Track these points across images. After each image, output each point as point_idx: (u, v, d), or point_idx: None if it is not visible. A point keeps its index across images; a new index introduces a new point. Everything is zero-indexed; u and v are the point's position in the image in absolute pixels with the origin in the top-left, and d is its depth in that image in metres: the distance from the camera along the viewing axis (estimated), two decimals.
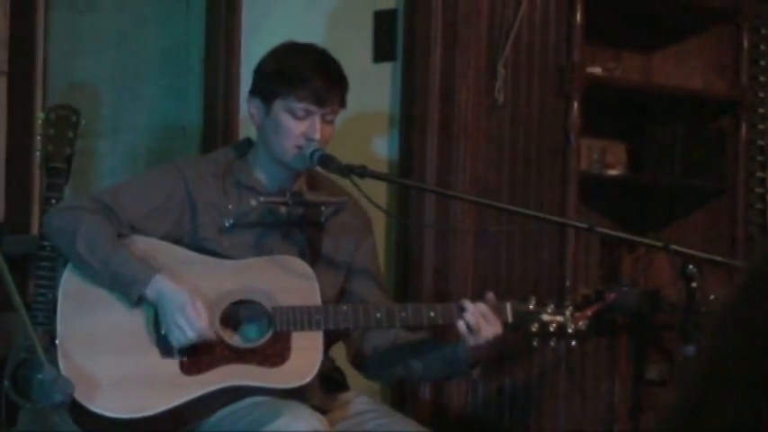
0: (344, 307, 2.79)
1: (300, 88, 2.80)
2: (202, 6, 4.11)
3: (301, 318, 2.74)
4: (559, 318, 2.81)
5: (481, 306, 2.75)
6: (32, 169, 3.99)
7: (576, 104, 3.70)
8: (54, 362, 2.67)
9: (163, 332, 2.74)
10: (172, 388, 2.71)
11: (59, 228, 2.84)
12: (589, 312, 2.82)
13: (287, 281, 2.78)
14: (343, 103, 2.89)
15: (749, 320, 1.20)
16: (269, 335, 2.75)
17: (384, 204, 3.44)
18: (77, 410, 2.68)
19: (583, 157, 3.92)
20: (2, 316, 3.10)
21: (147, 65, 4.27)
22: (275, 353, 2.74)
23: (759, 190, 4.15)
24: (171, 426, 2.72)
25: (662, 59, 4.35)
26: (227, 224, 2.85)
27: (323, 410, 2.75)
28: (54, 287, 2.98)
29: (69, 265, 2.81)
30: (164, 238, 2.83)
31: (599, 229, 2.93)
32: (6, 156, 4.02)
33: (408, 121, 3.63)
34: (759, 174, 4.15)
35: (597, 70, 4.03)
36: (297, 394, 2.72)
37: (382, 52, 3.73)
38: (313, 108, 2.81)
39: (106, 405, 2.69)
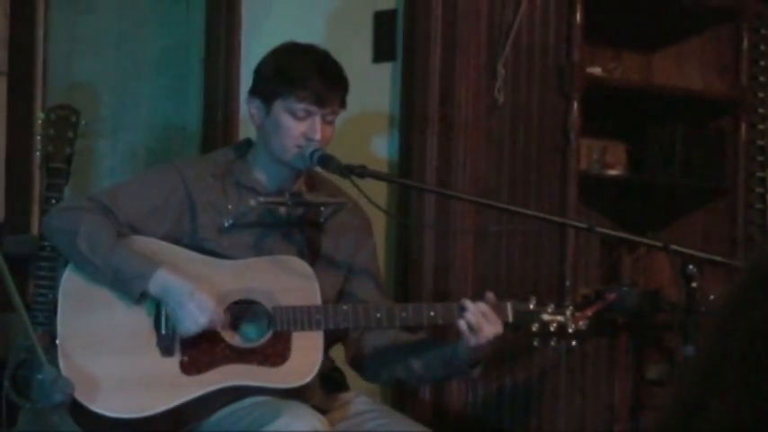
0: (345, 307, 2.80)
1: (301, 89, 2.80)
2: (202, 6, 4.11)
3: (301, 318, 2.74)
4: (560, 317, 2.81)
5: (482, 305, 2.75)
6: (32, 169, 3.99)
7: (575, 104, 3.70)
8: (54, 362, 2.67)
9: (163, 331, 2.74)
10: (172, 388, 2.71)
11: (60, 228, 2.84)
12: (589, 312, 2.82)
13: (287, 281, 2.78)
14: (343, 104, 2.89)
15: (748, 320, 1.20)
16: (269, 335, 2.75)
17: (384, 204, 3.44)
18: (78, 410, 2.68)
19: (583, 157, 3.92)
20: (2, 316, 3.10)
21: (147, 65, 4.27)
22: (275, 353, 2.74)
23: (759, 190, 4.15)
24: (171, 426, 2.72)
25: (662, 59, 4.35)
26: (226, 224, 2.85)
27: (323, 410, 2.75)
28: (54, 287, 2.98)
29: (70, 265, 2.81)
30: (163, 238, 2.83)
31: (599, 229, 2.93)
32: (6, 156, 4.02)
33: (408, 121, 3.63)
34: (759, 174, 4.15)
35: (597, 70, 4.03)
36: (297, 394, 2.72)
37: (382, 52, 3.73)
38: (313, 108, 2.81)
39: (106, 405, 2.69)
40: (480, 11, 3.58)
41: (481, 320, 2.73)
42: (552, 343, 2.83)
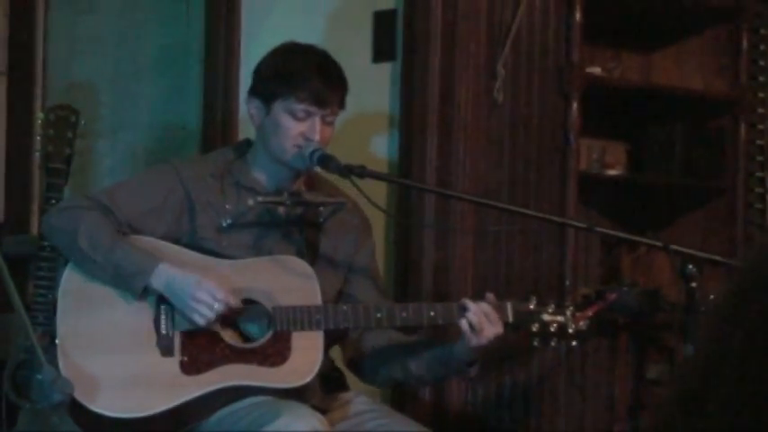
0: (345, 307, 2.80)
1: (300, 89, 2.80)
2: (202, 6, 4.11)
3: (301, 317, 2.74)
4: (560, 318, 2.81)
5: (484, 305, 2.75)
6: (32, 169, 4.00)
7: (575, 104, 3.70)
8: (54, 362, 2.67)
9: (163, 331, 2.74)
10: (172, 388, 2.71)
11: (59, 227, 2.84)
12: (590, 313, 2.82)
13: (287, 280, 2.78)
14: (342, 105, 2.89)
15: (746, 318, 1.20)
16: (269, 334, 2.75)
17: (384, 204, 3.44)
18: (77, 410, 2.68)
19: (582, 157, 3.92)
20: (2, 317, 3.10)
21: (147, 65, 4.27)
22: (275, 352, 2.74)
23: (758, 190, 4.15)
24: (171, 425, 2.72)
25: (662, 59, 4.35)
26: (224, 224, 2.85)
27: (323, 410, 2.75)
28: (54, 288, 2.98)
29: (69, 265, 2.81)
30: (162, 238, 2.83)
31: (599, 229, 2.93)
32: (6, 156, 4.02)
33: (408, 121, 3.63)
34: (758, 173, 4.15)
35: (597, 70, 4.04)
36: (297, 394, 2.72)
37: (382, 52, 3.73)
38: (313, 109, 2.82)
39: (106, 405, 2.69)
40: (480, 11, 3.58)
41: (483, 320, 2.73)
42: (552, 343, 2.83)
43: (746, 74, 4.16)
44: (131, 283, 2.73)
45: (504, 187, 3.64)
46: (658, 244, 2.84)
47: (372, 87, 3.68)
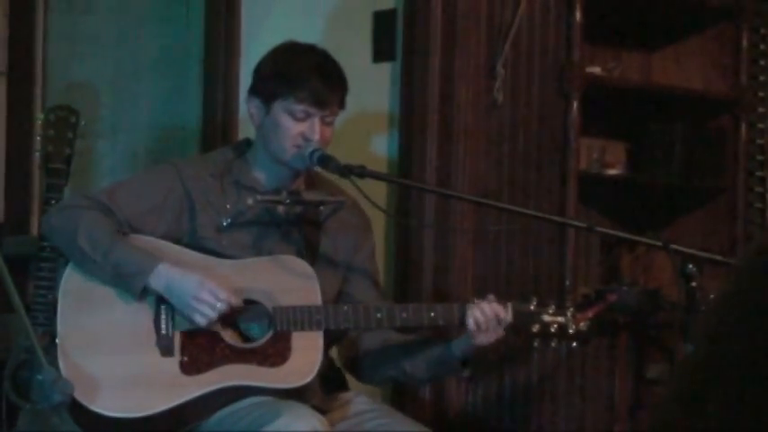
0: (345, 307, 2.79)
1: (300, 90, 2.80)
2: (202, 6, 4.11)
3: (302, 318, 2.74)
4: (560, 318, 2.81)
5: (495, 307, 2.76)
6: (32, 170, 4.00)
7: (575, 104, 3.70)
8: (54, 363, 2.67)
9: (163, 331, 2.74)
10: (172, 387, 2.71)
11: (59, 226, 2.84)
12: (590, 314, 2.82)
13: (288, 281, 2.77)
14: (342, 105, 2.89)
15: (744, 317, 1.20)
16: (269, 335, 2.75)
17: (384, 204, 3.44)
18: (78, 410, 2.68)
19: (582, 157, 3.92)
20: (2, 317, 3.10)
21: (147, 65, 4.27)
22: (276, 352, 2.74)
23: (759, 189, 4.15)
24: (171, 425, 2.72)
25: (662, 59, 4.35)
26: (224, 223, 2.85)
27: (323, 410, 2.75)
28: (54, 288, 2.98)
29: (70, 265, 2.80)
30: (162, 237, 2.83)
31: (599, 229, 2.93)
32: (6, 156, 4.02)
33: (408, 121, 3.63)
34: (759, 173, 4.15)
35: (597, 70, 4.03)
36: (297, 394, 2.72)
37: (382, 52, 3.73)
38: (312, 110, 2.81)
39: (106, 404, 2.69)
40: (480, 11, 3.58)
41: (492, 321, 2.74)
42: (553, 344, 2.83)
43: (747, 73, 4.16)
44: (130, 284, 2.72)
45: (503, 187, 3.64)
46: (658, 243, 2.84)
47: (372, 87, 3.68)
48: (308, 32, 3.41)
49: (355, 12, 3.78)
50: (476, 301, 2.77)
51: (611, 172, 4.10)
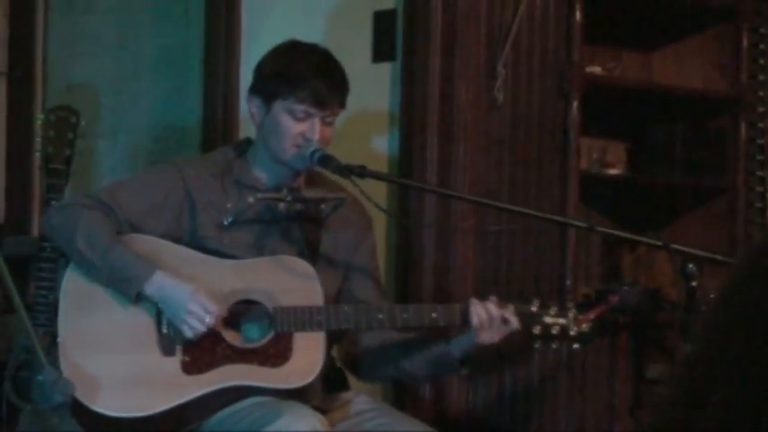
0: (346, 307, 2.79)
1: (301, 90, 2.80)
2: (202, 6, 4.11)
3: (303, 318, 2.74)
4: (562, 320, 2.81)
5: (508, 309, 2.77)
6: (32, 170, 4.00)
7: (575, 104, 3.69)
8: (55, 363, 2.67)
9: (164, 331, 2.74)
10: (173, 387, 2.71)
11: (59, 225, 2.84)
12: (592, 315, 2.82)
13: (289, 281, 2.77)
14: (343, 105, 2.89)
15: (743, 314, 1.20)
16: (270, 335, 2.75)
17: (384, 204, 3.44)
18: (78, 410, 2.68)
19: (583, 157, 3.92)
20: (3, 317, 3.10)
21: (147, 65, 4.27)
22: (277, 353, 2.74)
23: (759, 189, 4.15)
24: (172, 425, 2.72)
25: (662, 59, 4.35)
26: (226, 222, 2.85)
27: (324, 411, 2.75)
28: (55, 288, 2.98)
29: (71, 265, 2.81)
30: (162, 236, 2.83)
31: (599, 229, 2.93)
32: (6, 157, 4.02)
33: (408, 121, 3.62)
34: (759, 173, 4.15)
35: (597, 70, 4.03)
36: (298, 394, 2.72)
37: (382, 52, 3.73)
38: (313, 110, 2.81)
39: (107, 404, 2.69)
40: (480, 11, 3.58)
41: (497, 320, 2.74)
42: (554, 345, 2.83)
43: (747, 73, 4.16)
44: (125, 288, 2.73)
45: (504, 187, 3.63)
46: (659, 243, 2.85)
47: (372, 87, 3.68)
48: (308, 32, 3.40)
49: (355, 12, 3.77)
50: (492, 298, 2.79)
51: (612, 172, 4.10)
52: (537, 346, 2.83)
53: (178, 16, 4.24)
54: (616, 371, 3.93)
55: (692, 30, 4.27)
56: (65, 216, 2.83)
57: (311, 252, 2.88)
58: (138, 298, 2.73)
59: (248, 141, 3.00)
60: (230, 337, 2.76)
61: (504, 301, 2.81)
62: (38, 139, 3.24)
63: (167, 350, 2.74)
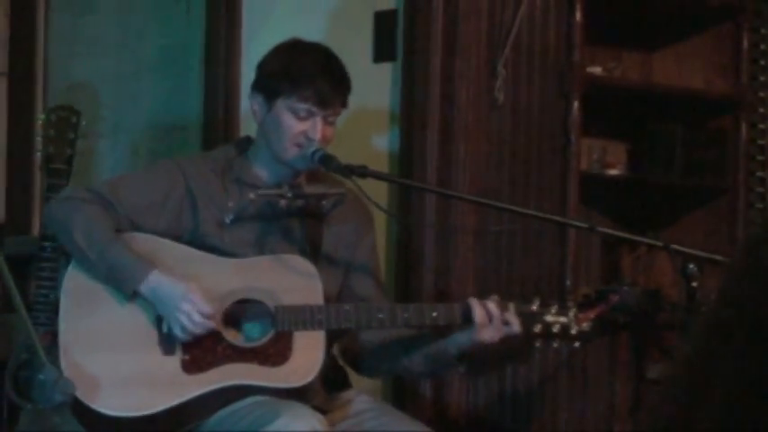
0: (347, 307, 2.79)
1: (304, 88, 2.80)
2: (202, 6, 4.11)
3: (303, 317, 2.74)
4: (563, 319, 2.81)
5: (509, 313, 2.77)
6: (33, 170, 4.00)
7: (576, 104, 3.69)
8: (56, 362, 2.67)
9: (165, 330, 2.74)
10: (173, 386, 2.71)
11: (58, 218, 2.84)
12: (593, 314, 2.82)
13: (290, 280, 2.78)
14: (345, 104, 2.89)
15: (739, 314, 1.20)
16: (271, 334, 2.75)
17: (385, 204, 3.44)
18: (79, 409, 2.68)
19: (583, 157, 3.92)
20: (3, 317, 3.10)
21: (147, 65, 4.27)
22: (277, 352, 2.74)
23: (759, 189, 4.15)
24: (172, 425, 2.72)
25: (662, 59, 4.34)
26: (227, 220, 2.85)
27: (324, 410, 2.75)
28: (55, 288, 2.98)
29: (72, 264, 2.81)
30: (163, 233, 2.83)
31: (599, 229, 2.93)
32: (7, 157, 4.03)
33: (409, 120, 3.63)
34: (759, 173, 4.15)
35: (597, 70, 4.03)
36: (298, 394, 2.72)
37: (382, 52, 3.73)
38: (315, 109, 2.81)
39: (107, 403, 2.69)
40: (480, 11, 3.58)
41: (498, 319, 2.75)
42: (555, 344, 2.83)
43: (747, 73, 4.16)
44: (121, 286, 2.74)
45: (504, 187, 3.63)
46: (659, 244, 2.85)
47: (373, 87, 3.68)
48: (308, 32, 3.40)
49: (356, 12, 3.78)
50: (494, 297, 2.80)
51: (612, 172, 4.10)
52: (538, 345, 2.83)
53: (178, 16, 4.24)
54: (616, 371, 3.93)
55: (692, 30, 4.27)
56: (65, 209, 2.83)
57: (312, 250, 2.88)
58: (134, 296, 2.73)
59: (249, 140, 3.00)
60: (231, 336, 2.76)
61: (504, 300, 2.81)
62: (38, 139, 3.24)
63: (168, 349, 2.74)
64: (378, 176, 2.95)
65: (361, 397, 2.93)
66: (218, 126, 4.00)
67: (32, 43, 4.10)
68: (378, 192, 3.04)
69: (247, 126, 3.47)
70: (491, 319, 2.75)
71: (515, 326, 2.77)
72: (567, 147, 3.71)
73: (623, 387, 3.95)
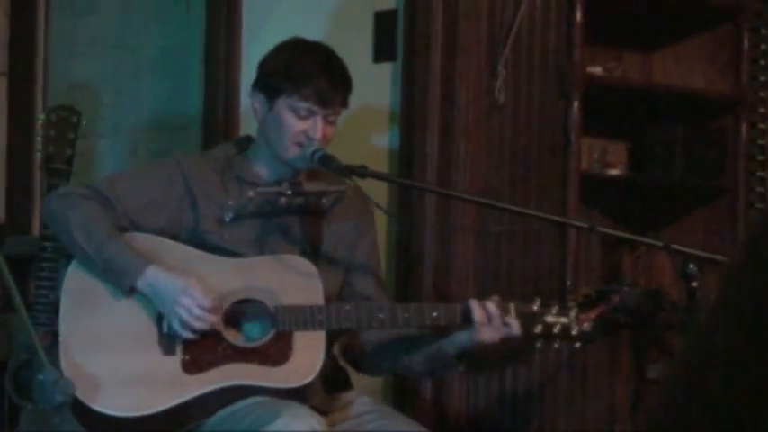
0: (347, 307, 2.79)
1: (305, 88, 2.80)
2: (202, 6, 4.11)
3: (303, 317, 2.74)
4: (564, 319, 2.81)
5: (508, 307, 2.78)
6: (33, 170, 4.00)
7: (576, 104, 3.69)
8: (56, 362, 2.67)
9: (165, 330, 2.74)
10: (173, 387, 2.71)
11: (56, 213, 2.84)
12: (594, 314, 2.82)
13: (290, 279, 2.77)
14: (345, 104, 2.89)
15: (738, 312, 1.20)
16: (271, 334, 2.75)
17: (385, 204, 3.44)
18: (79, 409, 2.68)
19: (583, 157, 3.91)
20: (3, 317, 3.10)
21: (147, 65, 4.27)
22: (277, 352, 2.74)
23: (760, 189, 4.14)
24: (172, 425, 2.72)
25: (662, 59, 4.34)
26: (227, 219, 2.85)
27: (324, 411, 2.75)
28: (55, 288, 2.98)
29: (72, 264, 2.81)
30: (161, 231, 2.83)
31: (600, 229, 2.93)
32: (7, 157, 4.03)
33: (409, 121, 3.63)
34: (760, 173, 4.14)
35: (597, 70, 4.03)
36: (298, 394, 2.72)
37: (382, 52, 3.73)
38: (316, 108, 2.82)
39: (107, 403, 2.69)
40: (480, 11, 3.58)
41: (498, 319, 2.75)
42: (555, 345, 2.83)
43: (747, 73, 4.16)
44: (119, 281, 2.73)
45: (504, 187, 3.63)
46: (659, 244, 2.85)
47: (373, 87, 3.69)
48: (308, 32, 3.40)
49: (356, 12, 3.78)
50: (494, 298, 2.80)
51: (612, 172, 4.10)
52: (538, 345, 2.83)
53: (178, 16, 4.24)
54: (616, 371, 3.93)
55: (692, 30, 4.27)
56: (64, 204, 2.83)
57: (313, 249, 2.88)
58: (132, 292, 2.73)
59: (249, 138, 3.00)
60: (231, 336, 2.76)
61: (504, 300, 2.81)
62: (39, 139, 3.24)
63: (168, 349, 2.74)
64: (377, 176, 2.95)
65: (362, 398, 2.93)
66: (218, 126, 4.00)
67: (32, 43, 4.10)
68: (378, 192, 3.05)
69: (247, 125, 3.47)
70: (490, 320, 2.75)
71: (515, 328, 2.77)
72: (567, 147, 3.70)
73: (623, 387, 3.95)
